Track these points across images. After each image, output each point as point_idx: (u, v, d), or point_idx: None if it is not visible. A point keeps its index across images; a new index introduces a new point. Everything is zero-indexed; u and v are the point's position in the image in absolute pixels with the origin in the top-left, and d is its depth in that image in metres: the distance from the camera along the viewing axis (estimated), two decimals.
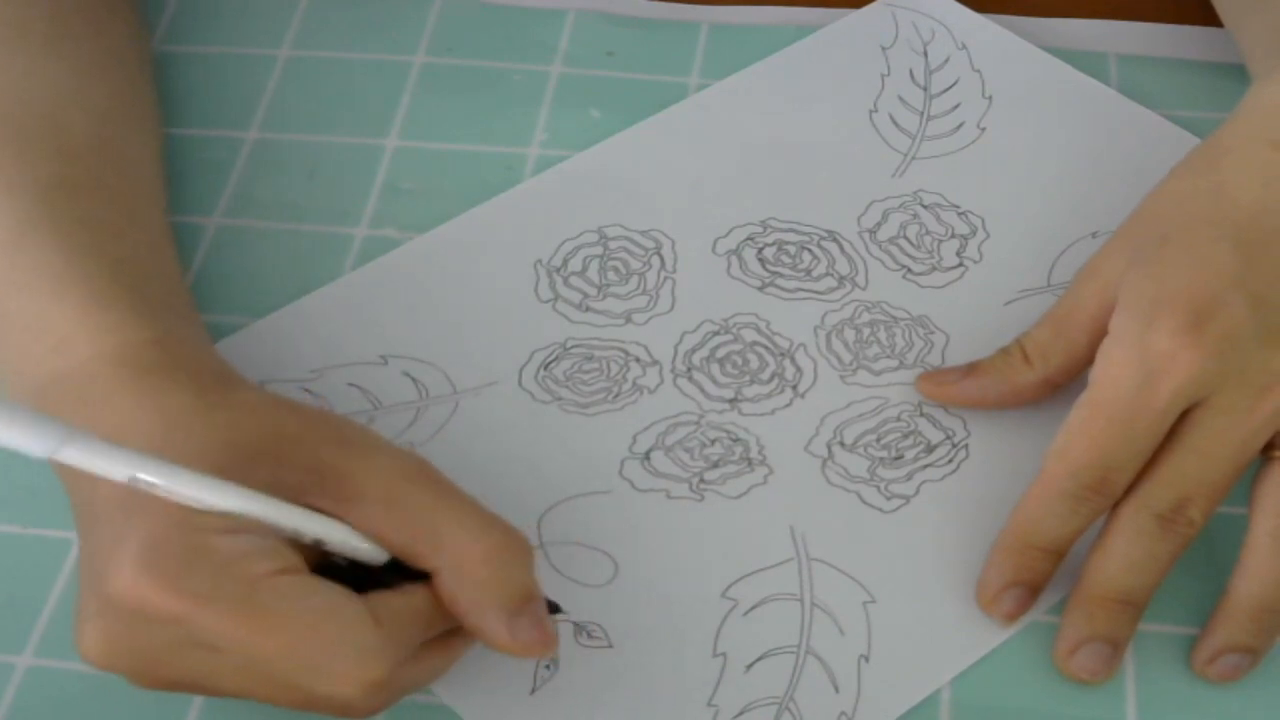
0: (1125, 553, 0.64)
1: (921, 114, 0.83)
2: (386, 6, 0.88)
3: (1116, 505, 0.65)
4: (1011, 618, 0.66)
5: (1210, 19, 0.86)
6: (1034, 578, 0.66)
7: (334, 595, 0.58)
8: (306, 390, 0.73)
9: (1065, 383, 0.70)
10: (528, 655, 0.60)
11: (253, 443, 0.61)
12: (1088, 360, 0.69)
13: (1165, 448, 0.65)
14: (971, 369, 0.71)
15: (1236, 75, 0.83)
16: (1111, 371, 0.65)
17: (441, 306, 0.76)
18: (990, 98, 0.83)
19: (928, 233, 0.78)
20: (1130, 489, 0.65)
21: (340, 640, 0.57)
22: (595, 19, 0.88)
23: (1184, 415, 0.64)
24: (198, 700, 0.64)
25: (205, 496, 0.57)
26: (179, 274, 0.72)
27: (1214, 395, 0.64)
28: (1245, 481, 0.66)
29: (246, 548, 0.58)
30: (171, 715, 0.64)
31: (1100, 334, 0.68)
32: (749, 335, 0.74)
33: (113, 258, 0.67)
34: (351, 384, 0.73)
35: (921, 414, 0.72)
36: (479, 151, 0.82)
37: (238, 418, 0.61)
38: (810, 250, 0.77)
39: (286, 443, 0.61)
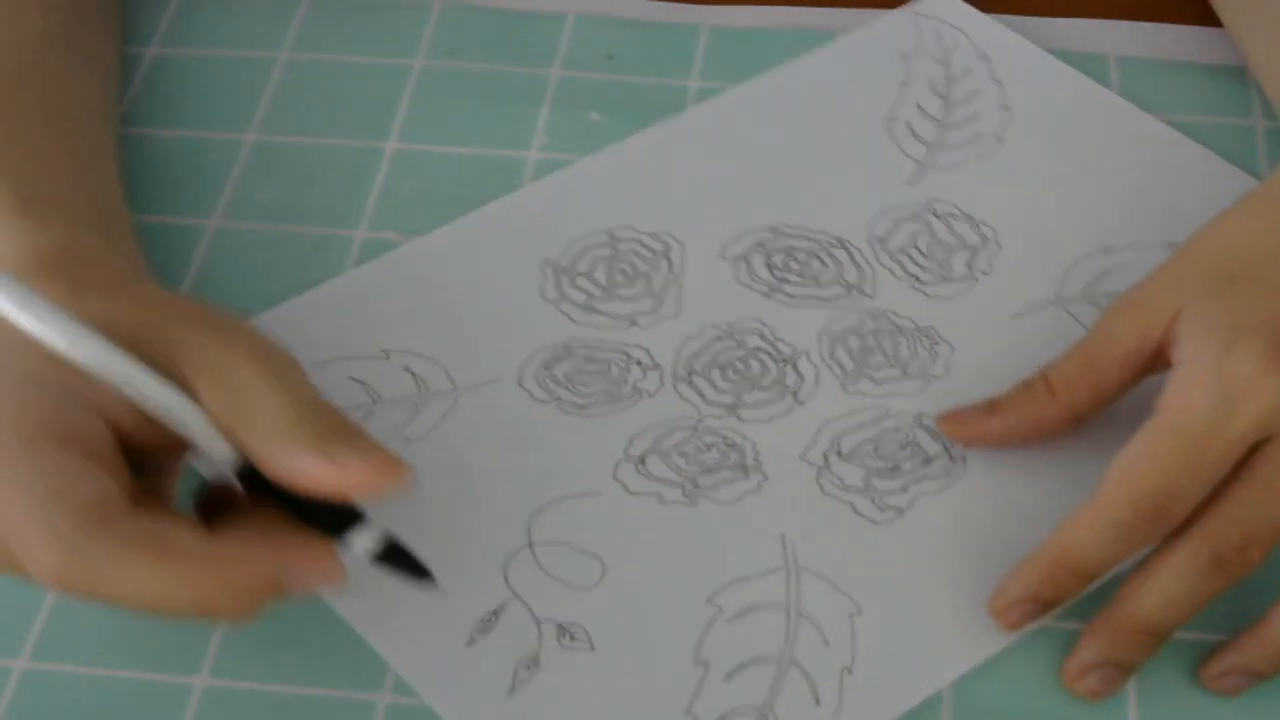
0: (1167, 586, 0.63)
1: (939, 123, 0.82)
2: (386, 9, 0.88)
3: (1172, 537, 0.63)
4: (1015, 629, 0.65)
5: (1212, 19, 0.85)
6: (1055, 596, 0.65)
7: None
8: None
9: (1089, 416, 0.69)
10: (364, 488, 0.59)
11: (118, 324, 0.61)
12: (1115, 395, 0.68)
13: (1231, 482, 0.63)
14: (993, 407, 0.70)
15: (1238, 78, 0.83)
16: (1186, 396, 0.63)
17: (447, 303, 0.75)
18: (1010, 109, 0.83)
19: (939, 243, 0.78)
20: (1186, 523, 0.63)
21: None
22: (595, 22, 0.87)
23: (1253, 449, 0.63)
24: (194, 702, 0.64)
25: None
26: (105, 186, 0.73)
27: None
28: None
29: None
30: (166, 717, 0.64)
31: (1133, 370, 0.67)
32: (752, 341, 0.74)
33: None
34: (352, 377, 0.73)
35: (921, 425, 0.71)
36: (478, 155, 0.82)
37: (110, 306, 0.62)
38: (819, 257, 0.77)
39: (150, 324, 0.61)
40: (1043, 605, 0.65)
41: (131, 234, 0.72)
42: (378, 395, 0.72)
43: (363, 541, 0.60)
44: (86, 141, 0.75)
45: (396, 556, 0.61)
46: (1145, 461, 0.63)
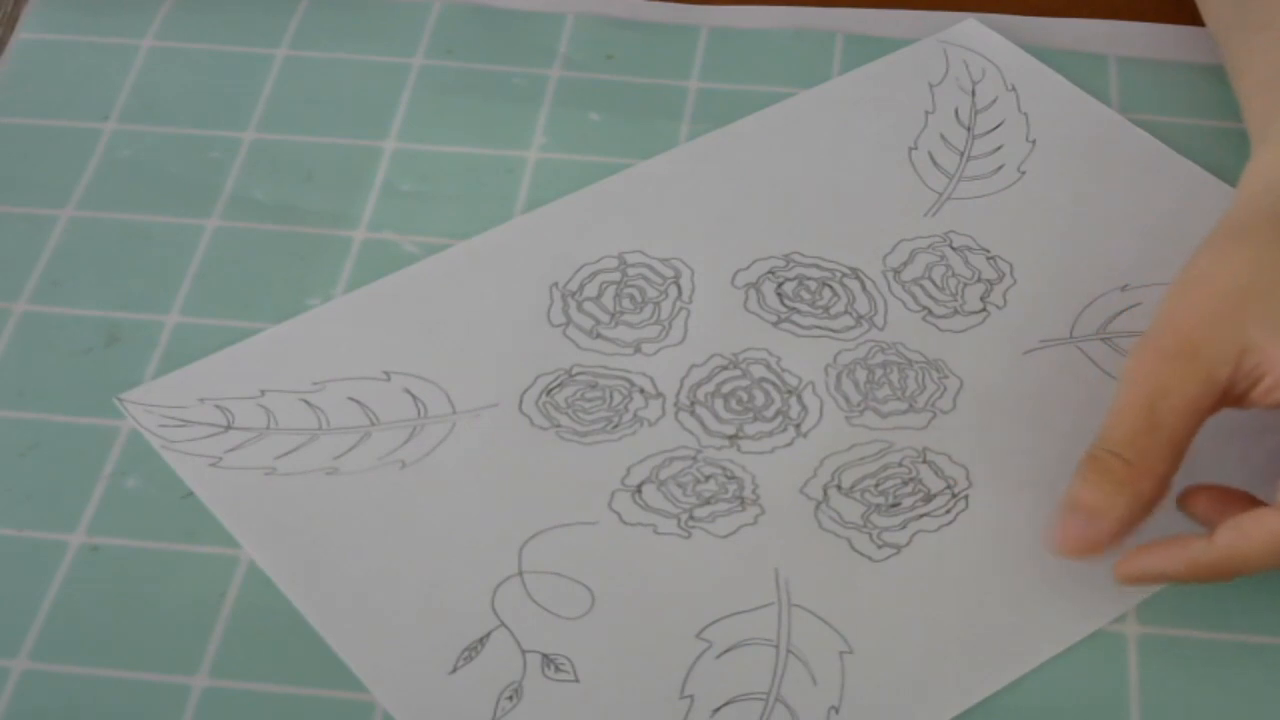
0: None
1: (962, 154, 0.81)
2: (386, 8, 0.88)
3: None
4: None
5: None
6: (1186, 582, 0.65)
7: None
8: (305, 401, 0.72)
9: (1173, 475, 0.65)
10: None
11: None
12: (1187, 446, 0.65)
13: None
14: (1092, 515, 0.65)
15: None
16: None
17: (452, 325, 0.75)
18: (1034, 141, 0.81)
19: (953, 275, 0.76)
20: None
21: None
22: (594, 22, 0.87)
23: None
24: (194, 702, 0.64)
25: None
26: None
27: None
28: None
29: None
30: (165, 717, 0.64)
31: (1200, 415, 0.65)
32: (758, 371, 0.73)
33: None
34: (351, 398, 0.72)
35: (924, 460, 0.70)
36: (478, 154, 0.82)
37: None
38: (831, 287, 0.76)
39: None
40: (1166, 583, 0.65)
41: None
42: (376, 417, 0.72)
43: None
44: None
45: None
46: None
